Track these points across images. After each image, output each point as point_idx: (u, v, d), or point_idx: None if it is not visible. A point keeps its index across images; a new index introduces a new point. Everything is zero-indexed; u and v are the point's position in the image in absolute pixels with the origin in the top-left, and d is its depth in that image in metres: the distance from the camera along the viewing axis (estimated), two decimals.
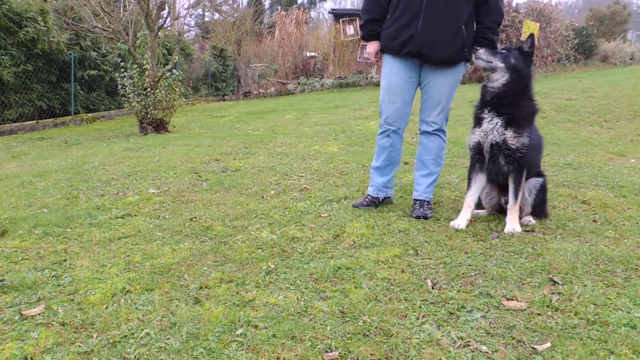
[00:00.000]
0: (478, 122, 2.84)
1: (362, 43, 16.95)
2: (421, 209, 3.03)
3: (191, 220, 3.04)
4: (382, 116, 3.12)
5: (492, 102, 2.76)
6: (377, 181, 3.21)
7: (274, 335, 1.71)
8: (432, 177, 3.12)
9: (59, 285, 2.14)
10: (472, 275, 2.16)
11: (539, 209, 2.94)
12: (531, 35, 2.71)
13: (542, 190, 2.93)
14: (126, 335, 1.73)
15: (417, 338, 1.68)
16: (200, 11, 28.40)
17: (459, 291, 2.02)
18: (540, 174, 2.98)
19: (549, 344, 1.63)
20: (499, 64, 2.70)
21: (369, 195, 3.24)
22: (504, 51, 2.73)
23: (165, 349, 1.65)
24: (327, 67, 18.82)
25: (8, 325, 1.82)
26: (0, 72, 8.90)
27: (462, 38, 2.85)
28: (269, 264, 2.33)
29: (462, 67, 2.98)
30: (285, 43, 18.97)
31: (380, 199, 3.23)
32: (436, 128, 3.06)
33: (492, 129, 2.75)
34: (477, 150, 2.86)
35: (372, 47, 3.09)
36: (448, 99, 3.02)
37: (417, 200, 3.11)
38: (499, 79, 2.72)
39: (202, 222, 2.98)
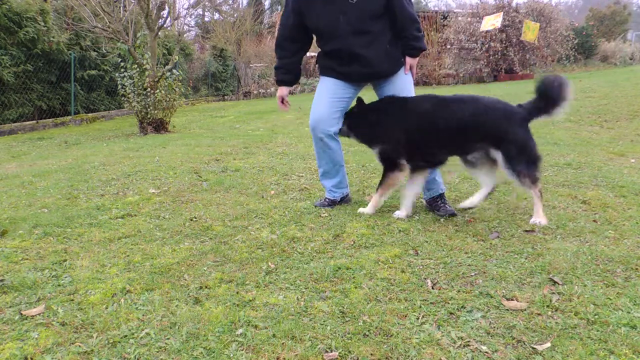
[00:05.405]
0: None
1: None
2: (446, 206, 3.10)
3: (191, 220, 3.04)
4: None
5: None
6: (328, 185, 3.30)
7: (274, 335, 1.71)
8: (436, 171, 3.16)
9: (59, 285, 2.14)
10: (472, 275, 2.16)
11: None
12: None
13: None
14: (126, 335, 1.73)
15: (417, 338, 1.68)
16: (200, 11, 28.43)
17: (459, 291, 2.02)
18: None
19: (549, 344, 1.62)
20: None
21: (327, 198, 3.32)
22: None
23: (165, 349, 1.65)
24: None
25: (8, 325, 1.82)
26: (0, 72, 8.90)
27: (393, 53, 3.03)
28: (269, 264, 2.33)
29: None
30: None
31: (338, 200, 3.30)
32: None
33: None
34: None
35: (281, 91, 3.27)
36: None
37: (436, 196, 3.14)
38: None
39: (202, 222, 2.98)
